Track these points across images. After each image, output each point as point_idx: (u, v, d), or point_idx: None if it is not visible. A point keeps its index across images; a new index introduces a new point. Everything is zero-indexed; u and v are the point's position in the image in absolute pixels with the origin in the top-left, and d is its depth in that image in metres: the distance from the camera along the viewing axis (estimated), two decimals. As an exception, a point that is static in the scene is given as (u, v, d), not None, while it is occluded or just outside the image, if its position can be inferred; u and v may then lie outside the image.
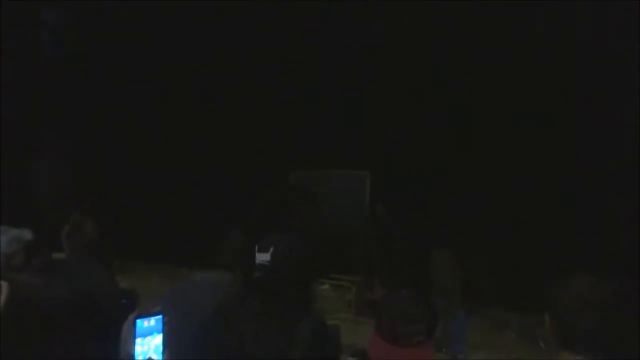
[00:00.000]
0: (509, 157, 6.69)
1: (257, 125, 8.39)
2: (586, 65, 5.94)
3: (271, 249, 1.68)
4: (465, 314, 4.59)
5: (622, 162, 5.92)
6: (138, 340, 1.26)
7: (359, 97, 7.87)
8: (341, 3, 7.37)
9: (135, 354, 1.26)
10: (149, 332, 1.29)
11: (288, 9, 7.55)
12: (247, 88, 8.33)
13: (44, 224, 2.65)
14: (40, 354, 0.99)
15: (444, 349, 4.38)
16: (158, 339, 1.31)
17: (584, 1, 5.91)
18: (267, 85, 8.22)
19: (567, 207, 6.34)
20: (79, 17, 8.14)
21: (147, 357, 1.29)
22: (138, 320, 1.28)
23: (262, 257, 1.68)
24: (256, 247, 1.73)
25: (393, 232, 7.14)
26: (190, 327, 1.75)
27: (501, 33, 6.48)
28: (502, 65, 6.67)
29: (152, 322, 1.30)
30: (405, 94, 7.58)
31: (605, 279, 1.30)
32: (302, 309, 1.68)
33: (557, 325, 1.35)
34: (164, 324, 1.33)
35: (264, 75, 8.20)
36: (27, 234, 2.01)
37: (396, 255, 7.03)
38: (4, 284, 0.97)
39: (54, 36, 8.05)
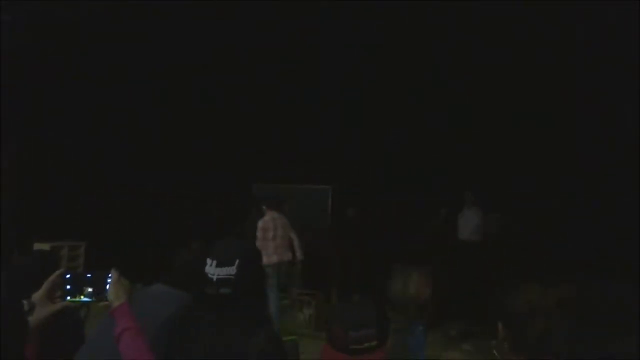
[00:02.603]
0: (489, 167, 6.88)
1: (219, 137, 8.35)
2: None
3: (237, 262, 1.60)
4: (423, 328, 4.59)
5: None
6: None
7: (323, 109, 7.93)
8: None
9: None
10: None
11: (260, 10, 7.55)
12: (213, 101, 8.29)
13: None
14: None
15: None
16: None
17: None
18: (229, 98, 8.21)
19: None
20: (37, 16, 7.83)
21: None
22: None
23: (226, 271, 1.59)
24: (213, 261, 1.62)
25: (361, 236, 7.21)
26: None
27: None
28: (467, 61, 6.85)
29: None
30: (368, 105, 7.71)
31: (552, 286, 1.35)
32: (260, 319, 1.64)
33: (508, 332, 1.37)
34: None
35: (228, 89, 8.19)
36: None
37: (355, 264, 7.09)
38: None
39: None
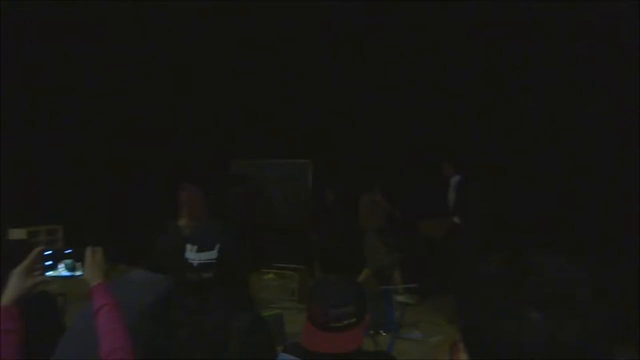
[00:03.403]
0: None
1: (197, 114, 8.24)
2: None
3: (217, 246, 1.61)
4: (389, 291, 4.73)
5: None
6: None
7: (300, 87, 7.85)
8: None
9: None
10: None
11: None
12: (189, 77, 8.13)
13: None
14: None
15: (381, 330, 4.53)
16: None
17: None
18: (208, 75, 8.07)
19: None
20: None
21: None
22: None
23: (207, 256, 1.60)
24: (193, 246, 1.62)
25: (340, 217, 7.25)
26: None
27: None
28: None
29: None
30: (349, 84, 7.65)
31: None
32: (244, 302, 1.65)
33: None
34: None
35: (205, 65, 8.04)
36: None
37: (336, 241, 7.16)
38: None
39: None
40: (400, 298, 6.02)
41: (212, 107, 8.12)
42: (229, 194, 6.55)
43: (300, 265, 6.67)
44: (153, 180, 8.01)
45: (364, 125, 7.70)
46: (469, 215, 5.90)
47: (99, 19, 7.71)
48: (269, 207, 7.53)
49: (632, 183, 5.37)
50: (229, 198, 6.35)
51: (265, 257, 6.91)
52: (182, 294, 1.64)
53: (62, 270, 1.69)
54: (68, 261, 1.69)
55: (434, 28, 6.86)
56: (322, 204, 7.58)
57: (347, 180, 7.39)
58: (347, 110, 7.73)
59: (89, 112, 8.21)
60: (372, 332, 4.48)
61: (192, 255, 1.61)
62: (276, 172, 7.85)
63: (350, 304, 1.55)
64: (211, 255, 1.60)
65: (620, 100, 5.67)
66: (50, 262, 1.66)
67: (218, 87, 8.15)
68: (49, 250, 1.66)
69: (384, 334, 4.83)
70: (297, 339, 1.59)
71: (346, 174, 7.51)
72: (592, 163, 5.81)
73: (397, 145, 7.41)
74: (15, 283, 1.51)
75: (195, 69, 8.08)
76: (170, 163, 7.92)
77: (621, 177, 5.61)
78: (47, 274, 1.64)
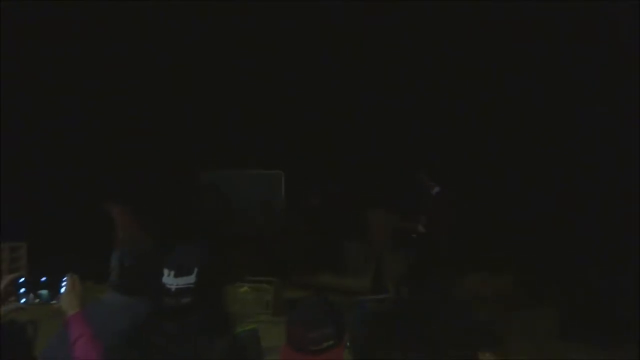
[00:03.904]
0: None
1: (166, 124, 8.10)
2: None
3: (195, 271, 1.60)
4: (364, 302, 4.74)
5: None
6: None
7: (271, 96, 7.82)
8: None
9: None
10: None
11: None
12: (158, 86, 8.05)
13: None
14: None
15: (351, 342, 4.54)
16: None
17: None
18: (178, 84, 7.97)
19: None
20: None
21: None
22: None
23: (185, 281, 1.59)
24: (170, 271, 1.60)
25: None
26: None
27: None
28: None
29: None
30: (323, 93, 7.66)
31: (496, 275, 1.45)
32: (222, 326, 1.66)
33: None
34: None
35: (176, 74, 7.94)
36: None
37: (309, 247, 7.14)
38: None
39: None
40: None
41: (184, 116, 8.00)
42: (199, 207, 6.47)
43: (273, 277, 6.64)
44: (118, 192, 7.85)
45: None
46: (439, 226, 5.92)
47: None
48: (240, 218, 7.46)
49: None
50: (199, 211, 6.27)
51: (239, 270, 6.86)
52: (160, 319, 1.62)
53: (35, 298, 1.65)
54: (44, 292, 1.65)
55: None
56: (304, 208, 7.54)
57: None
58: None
59: (54, 128, 8.00)
60: (348, 344, 4.50)
61: (170, 280, 1.59)
62: (247, 183, 7.78)
63: (328, 326, 1.55)
64: (189, 280, 1.59)
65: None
66: (23, 290, 1.62)
67: (189, 97, 8.04)
68: (21, 278, 1.63)
69: None
70: (273, 353, 1.59)
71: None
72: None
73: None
74: None
75: (163, 76, 7.96)
76: (136, 175, 7.78)
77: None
78: (21, 301, 1.61)
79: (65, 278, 1.61)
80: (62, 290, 1.60)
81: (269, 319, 5.71)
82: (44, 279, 1.65)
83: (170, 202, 7.35)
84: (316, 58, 7.81)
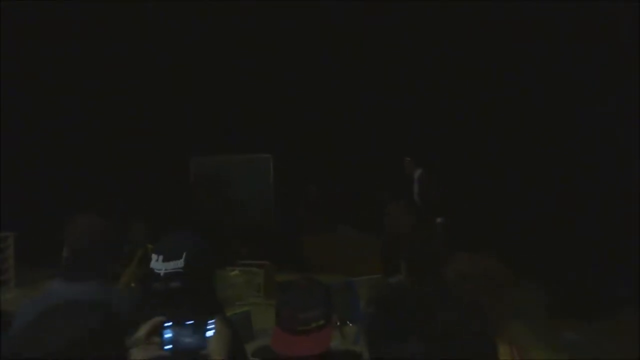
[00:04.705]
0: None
1: (151, 112, 8.07)
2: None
3: (184, 255, 1.59)
4: (354, 284, 4.82)
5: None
6: None
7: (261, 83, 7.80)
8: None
9: None
10: None
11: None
12: (146, 74, 8.06)
13: None
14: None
15: (348, 321, 4.58)
16: None
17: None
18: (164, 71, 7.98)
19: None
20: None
21: None
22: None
23: (174, 265, 1.58)
24: (159, 256, 1.59)
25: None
26: None
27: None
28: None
29: None
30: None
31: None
32: (212, 308, 1.62)
33: None
34: None
35: (162, 61, 7.94)
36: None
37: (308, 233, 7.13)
38: None
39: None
40: None
41: (169, 104, 7.95)
42: (191, 193, 6.46)
43: (264, 260, 6.65)
44: (109, 182, 7.83)
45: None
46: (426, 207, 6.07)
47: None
48: (231, 203, 7.45)
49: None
50: (191, 197, 6.27)
51: (230, 254, 6.86)
52: (151, 308, 1.57)
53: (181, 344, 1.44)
54: (188, 340, 1.44)
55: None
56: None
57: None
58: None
59: (42, 116, 8.00)
60: (339, 324, 4.54)
61: (158, 265, 1.59)
62: (237, 168, 7.73)
63: (317, 306, 1.59)
64: (177, 264, 1.59)
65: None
66: (169, 336, 1.42)
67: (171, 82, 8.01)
68: (168, 322, 1.43)
69: (351, 325, 4.94)
70: (265, 335, 1.59)
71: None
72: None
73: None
74: (134, 353, 1.33)
75: (153, 64, 7.97)
76: (128, 164, 7.76)
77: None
78: (166, 348, 1.41)
79: (212, 321, 1.46)
80: (209, 334, 1.44)
81: (261, 302, 5.82)
82: (190, 322, 1.46)
83: (160, 189, 7.31)
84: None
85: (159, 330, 1.42)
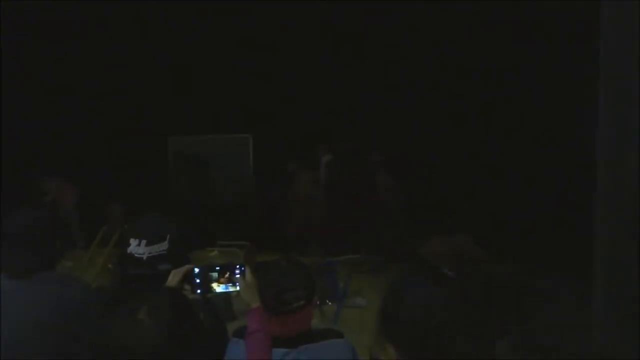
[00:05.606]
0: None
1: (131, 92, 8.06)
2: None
3: (168, 237, 1.60)
4: (333, 264, 4.92)
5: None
6: None
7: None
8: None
9: None
10: None
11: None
12: (126, 55, 8.05)
13: None
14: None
15: (327, 300, 4.63)
16: None
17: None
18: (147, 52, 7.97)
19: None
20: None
21: None
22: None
23: (158, 248, 1.58)
24: (141, 240, 1.58)
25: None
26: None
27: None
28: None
29: None
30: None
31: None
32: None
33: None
34: None
35: (146, 43, 7.95)
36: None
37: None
38: None
39: None
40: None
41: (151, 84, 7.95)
42: (171, 173, 6.41)
43: (244, 241, 6.61)
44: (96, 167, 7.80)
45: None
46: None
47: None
48: (210, 183, 7.40)
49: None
50: (170, 176, 6.21)
51: (209, 234, 6.83)
52: (128, 292, 1.54)
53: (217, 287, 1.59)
54: (217, 284, 1.60)
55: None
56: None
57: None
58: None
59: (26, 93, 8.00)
60: (318, 302, 4.57)
61: (140, 249, 1.57)
62: (215, 148, 7.67)
63: (299, 287, 1.61)
64: (162, 247, 1.59)
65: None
66: (198, 281, 1.57)
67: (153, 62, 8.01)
68: (196, 269, 1.58)
69: (330, 304, 4.94)
70: (244, 316, 1.60)
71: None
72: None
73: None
74: None
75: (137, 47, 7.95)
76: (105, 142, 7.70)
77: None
78: (197, 292, 1.56)
79: (240, 267, 1.59)
80: (237, 278, 1.59)
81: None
82: (218, 268, 1.60)
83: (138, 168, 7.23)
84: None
85: (188, 278, 1.53)
